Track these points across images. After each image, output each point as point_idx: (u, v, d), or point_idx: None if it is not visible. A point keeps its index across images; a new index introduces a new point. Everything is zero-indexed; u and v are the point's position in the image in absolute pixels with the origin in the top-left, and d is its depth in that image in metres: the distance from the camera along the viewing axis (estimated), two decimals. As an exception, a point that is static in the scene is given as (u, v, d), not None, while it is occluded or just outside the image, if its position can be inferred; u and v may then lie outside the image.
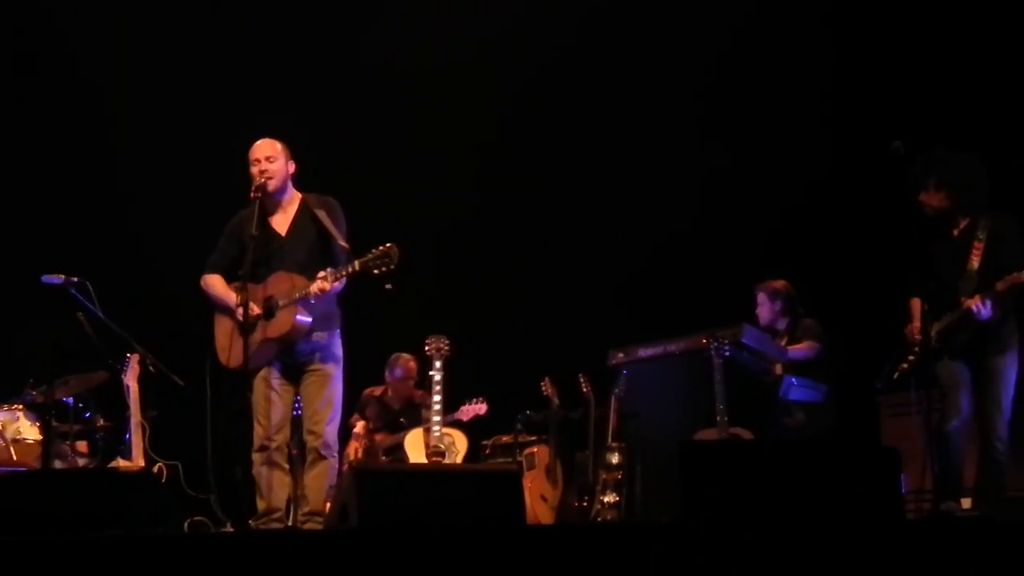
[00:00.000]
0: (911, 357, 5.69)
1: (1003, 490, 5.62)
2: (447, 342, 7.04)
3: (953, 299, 5.62)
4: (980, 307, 5.50)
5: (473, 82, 8.59)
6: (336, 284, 5.44)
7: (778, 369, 6.98)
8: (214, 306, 5.73)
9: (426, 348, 7.06)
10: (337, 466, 5.66)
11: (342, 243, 5.49)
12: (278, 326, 5.47)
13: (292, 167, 5.72)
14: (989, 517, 5.32)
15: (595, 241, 8.70)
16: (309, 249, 5.59)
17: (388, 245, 5.28)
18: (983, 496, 5.61)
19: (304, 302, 5.43)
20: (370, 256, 5.30)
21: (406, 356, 8.11)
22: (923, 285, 5.46)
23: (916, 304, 5.72)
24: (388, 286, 5.27)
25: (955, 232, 5.76)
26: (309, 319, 5.47)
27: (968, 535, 4.24)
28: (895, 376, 5.81)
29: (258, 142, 5.69)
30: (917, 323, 5.67)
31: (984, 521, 5.08)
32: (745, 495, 4.23)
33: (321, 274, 5.41)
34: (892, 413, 7.03)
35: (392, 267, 5.24)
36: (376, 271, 5.28)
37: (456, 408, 7.79)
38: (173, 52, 8.41)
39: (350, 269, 5.37)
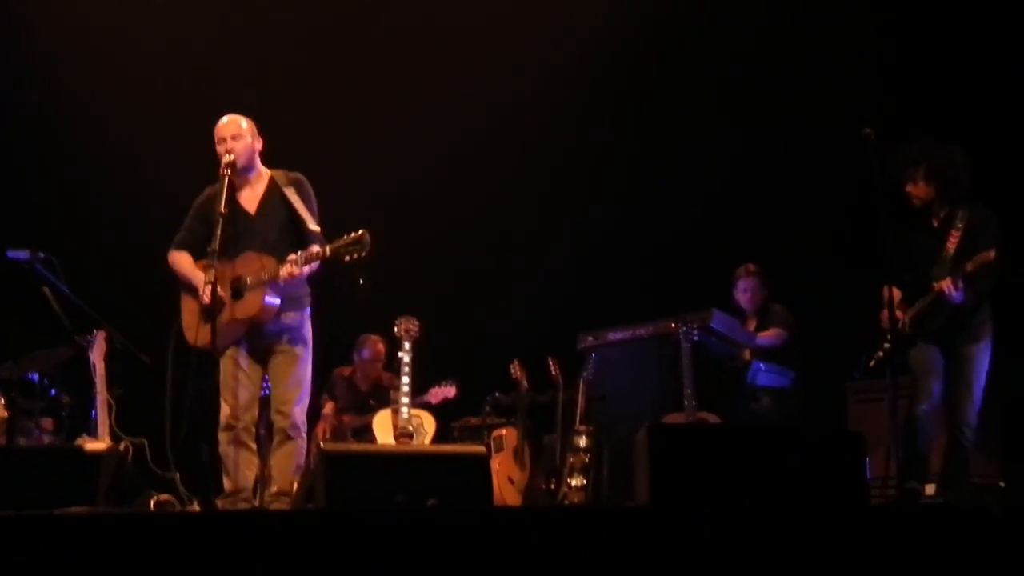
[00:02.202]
0: (886, 345, 5.71)
1: (968, 477, 5.68)
2: (417, 323, 7.03)
3: (928, 286, 5.66)
4: (951, 289, 5.54)
5: (445, 63, 8.57)
6: (306, 268, 5.40)
7: (746, 354, 7.03)
8: (180, 284, 5.68)
9: (395, 329, 7.05)
10: (305, 447, 5.63)
11: (312, 227, 5.45)
12: (246, 307, 5.43)
13: (259, 144, 5.67)
14: (952, 503, 5.38)
15: (565, 224, 8.70)
16: (279, 228, 5.54)
17: (360, 232, 5.21)
18: (948, 482, 5.66)
19: (273, 284, 5.40)
20: (341, 242, 5.25)
21: (374, 338, 8.09)
22: (897, 273, 5.50)
23: (888, 292, 5.77)
24: (362, 281, 5.23)
25: (935, 222, 5.81)
26: (277, 301, 5.43)
27: (931, 521, 4.28)
28: (872, 364, 5.84)
29: (224, 120, 5.62)
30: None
31: (947, 507, 5.13)
32: (712, 479, 4.25)
33: (291, 257, 5.35)
34: (858, 399, 7.09)
35: (363, 254, 5.18)
36: (347, 257, 5.22)
37: (425, 390, 7.78)
38: (141, 23, 8.32)
39: (321, 254, 5.31)
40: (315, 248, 5.35)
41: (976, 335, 5.65)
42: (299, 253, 5.36)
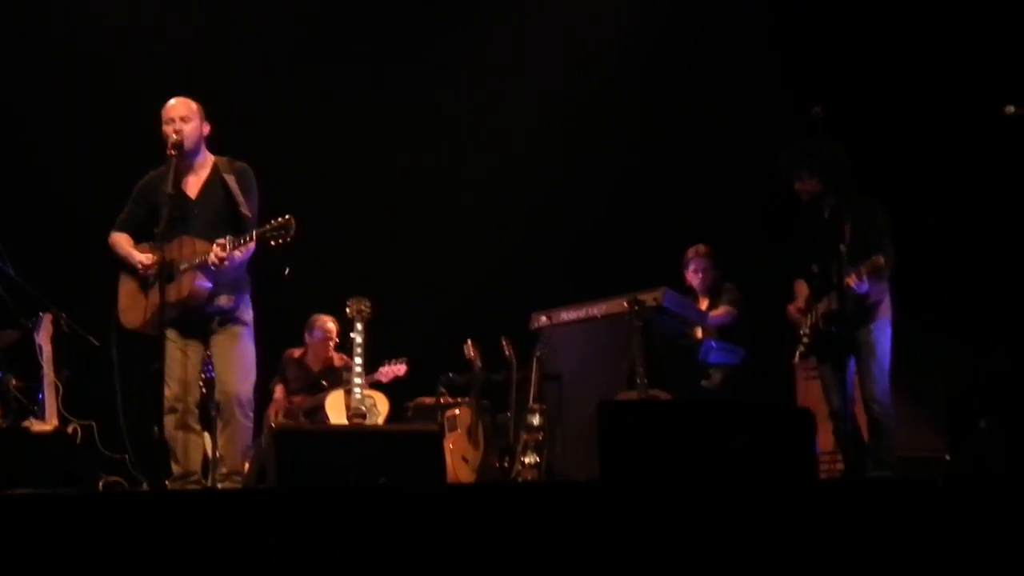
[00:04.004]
0: (805, 340, 6.07)
1: (891, 450, 5.94)
2: (368, 304, 7.00)
3: (827, 280, 5.90)
4: (858, 283, 5.81)
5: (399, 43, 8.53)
6: (237, 253, 5.39)
7: (698, 332, 7.07)
8: (119, 265, 5.65)
9: (347, 310, 7.02)
10: (251, 426, 5.60)
11: (245, 211, 5.45)
12: (177, 290, 5.41)
13: (206, 128, 5.65)
14: (890, 477, 5.54)
15: (518, 203, 8.70)
16: (216, 214, 5.53)
17: (287, 217, 5.25)
18: (873, 457, 5.92)
19: (203, 268, 5.38)
20: (268, 227, 5.29)
21: (325, 317, 8.05)
22: (807, 267, 5.93)
23: (801, 286, 6.18)
24: (286, 271, 5.24)
25: (826, 214, 6.06)
26: (209, 284, 5.43)
27: (878, 494, 4.34)
28: (794, 360, 6.26)
29: (172, 101, 5.60)
30: (800, 303, 6.14)
31: (894, 481, 5.24)
32: (662, 454, 4.28)
33: (220, 241, 5.36)
34: (806, 376, 7.16)
35: (289, 239, 5.23)
36: (273, 242, 5.27)
37: (375, 369, 7.76)
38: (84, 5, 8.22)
39: (246, 239, 5.34)
40: (245, 234, 5.36)
41: (871, 316, 5.94)
42: (228, 237, 5.37)
